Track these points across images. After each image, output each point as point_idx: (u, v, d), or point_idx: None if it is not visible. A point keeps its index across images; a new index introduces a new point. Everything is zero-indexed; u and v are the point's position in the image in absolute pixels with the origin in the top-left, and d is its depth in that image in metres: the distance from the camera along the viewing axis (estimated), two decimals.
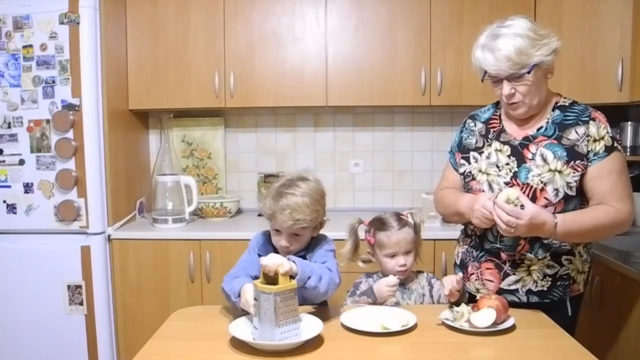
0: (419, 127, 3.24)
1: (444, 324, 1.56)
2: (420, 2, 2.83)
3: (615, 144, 1.62)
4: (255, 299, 1.44)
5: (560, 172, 1.61)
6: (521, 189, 1.63)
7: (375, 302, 1.75)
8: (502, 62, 1.57)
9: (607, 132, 1.63)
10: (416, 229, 1.82)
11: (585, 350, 1.43)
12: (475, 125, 1.82)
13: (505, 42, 1.57)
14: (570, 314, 1.71)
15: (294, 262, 1.50)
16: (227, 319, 1.61)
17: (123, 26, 2.88)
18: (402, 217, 1.83)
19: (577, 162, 1.61)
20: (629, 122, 2.75)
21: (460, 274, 1.73)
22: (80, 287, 2.63)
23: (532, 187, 1.63)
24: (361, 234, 1.86)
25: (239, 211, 3.18)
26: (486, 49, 1.60)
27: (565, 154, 1.62)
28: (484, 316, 1.51)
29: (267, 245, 1.76)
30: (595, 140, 1.62)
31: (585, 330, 1.81)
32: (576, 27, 2.65)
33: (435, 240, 2.62)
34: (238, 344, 1.44)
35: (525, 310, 1.67)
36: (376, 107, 3.12)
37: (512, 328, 1.53)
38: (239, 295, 1.56)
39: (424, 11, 2.83)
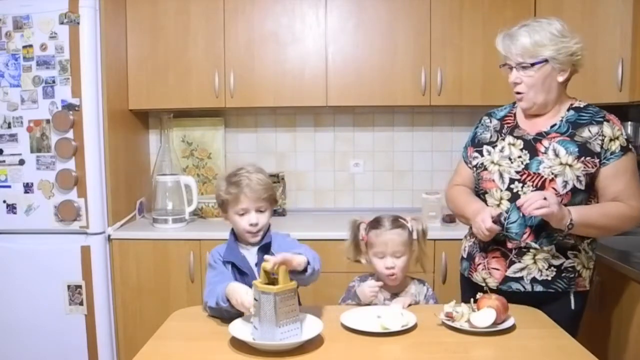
0: (419, 127, 3.24)
1: (444, 324, 1.56)
2: (420, 2, 2.83)
3: (630, 145, 1.71)
4: (255, 299, 1.44)
5: (570, 165, 1.68)
6: (531, 179, 1.70)
7: (360, 304, 1.76)
8: (516, 47, 1.67)
9: (622, 134, 1.70)
10: (418, 235, 1.80)
11: (585, 350, 1.43)
12: (490, 122, 1.89)
13: (527, 32, 1.67)
14: (573, 307, 1.73)
15: (299, 254, 1.53)
16: (227, 319, 1.60)
17: (123, 26, 2.88)
18: (399, 219, 1.81)
19: (589, 158, 1.68)
20: (629, 122, 2.74)
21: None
22: (80, 287, 2.63)
23: (542, 177, 1.69)
24: (363, 234, 1.86)
25: None
26: (507, 36, 1.70)
27: (577, 149, 1.69)
28: (484, 316, 1.51)
29: (234, 252, 1.74)
30: (611, 140, 1.69)
31: (585, 330, 1.81)
32: (576, 27, 2.61)
33: (435, 240, 2.62)
34: (238, 344, 1.44)
35: (525, 310, 1.68)
36: (376, 107, 3.11)
37: (512, 328, 1.53)
38: (228, 300, 1.55)
39: (424, 11, 2.83)
